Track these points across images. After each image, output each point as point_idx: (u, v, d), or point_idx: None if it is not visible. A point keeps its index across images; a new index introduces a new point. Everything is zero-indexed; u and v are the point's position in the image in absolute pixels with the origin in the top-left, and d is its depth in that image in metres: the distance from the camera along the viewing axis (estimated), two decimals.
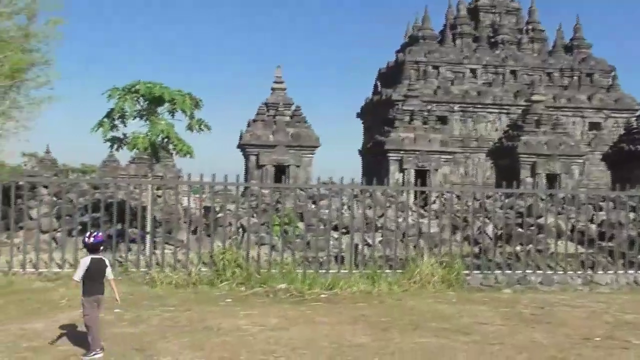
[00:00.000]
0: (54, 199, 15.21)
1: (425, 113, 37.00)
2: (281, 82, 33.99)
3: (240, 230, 15.58)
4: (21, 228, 12.87)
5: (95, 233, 7.02)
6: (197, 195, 13.27)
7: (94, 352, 6.63)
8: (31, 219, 15.31)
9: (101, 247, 7.05)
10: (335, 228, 15.31)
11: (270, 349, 7.20)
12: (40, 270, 11.75)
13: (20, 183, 12.16)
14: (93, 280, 6.83)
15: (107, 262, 7.01)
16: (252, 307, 9.76)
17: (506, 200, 13.91)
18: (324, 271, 12.46)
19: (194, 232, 15.69)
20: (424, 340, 7.80)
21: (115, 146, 13.42)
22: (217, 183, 12.74)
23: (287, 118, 33.42)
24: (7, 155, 13.95)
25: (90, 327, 6.74)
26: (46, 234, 13.09)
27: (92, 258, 6.87)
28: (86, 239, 6.92)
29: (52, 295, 10.14)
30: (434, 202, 19.45)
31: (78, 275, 6.84)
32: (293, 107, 34.22)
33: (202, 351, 6.99)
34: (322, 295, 10.90)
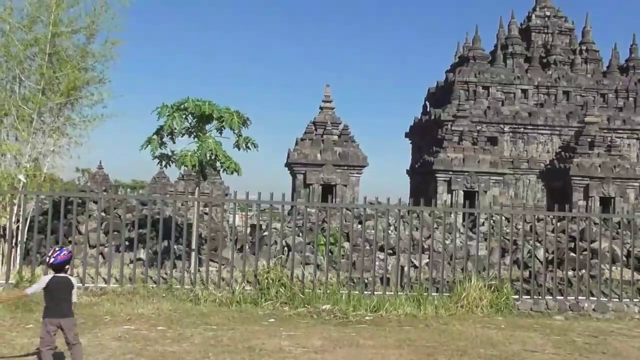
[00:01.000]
0: (103, 214, 15.42)
1: (475, 134, 36.53)
2: (330, 101, 34.04)
3: (286, 249, 15.51)
4: (70, 242, 13.06)
5: (59, 251, 6.33)
6: (244, 213, 13.24)
7: None
8: (80, 233, 15.55)
9: (67, 266, 6.36)
10: (382, 249, 15.11)
11: None
12: (86, 285, 11.86)
13: (71, 198, 12.34)
14: (53, 301, 6.21)
15: (73, 282, 6.32)
16: (295, 327, 9.62)
17: (558, 224, 13.47)
18: (368, 292, 12.25)
19: (240, 249, 15.69)
20: None
21: (164, 163, 13.55)
22: (264, 201, 12.70)
23: (335, 137, 33.40)
24: (60, 171, 14.19)
25: (41, 352, 6.21)
26: (94, 249, 13.25)
27: (53, 276, 6.25)
28: (47, 258, 6.33)
29: (97, 311, 10.19)
30: (483, 224, 19.04)
31: (31, 289, 6.36)
32: (341, 126, 34.20)
33: None
34: (367, 317, 10.70)
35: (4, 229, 12.73)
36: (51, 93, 13.30)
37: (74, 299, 6.35)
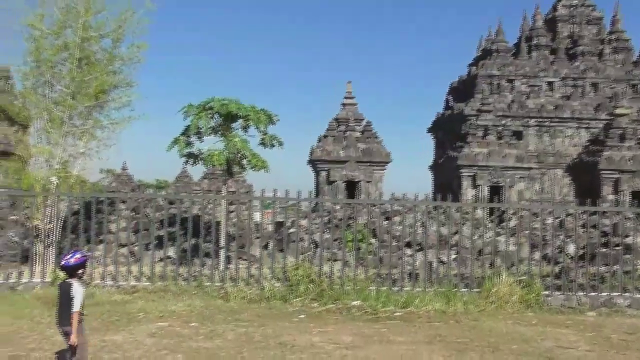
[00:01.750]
0: (132, 213, 15.59)
1: (500, 128, 36.20)
2: (352, 98, 33.99)
3: (313, 245, 15.55)
4: (101, 242, 13.22)
5: (72, 254, 6.08)
6: (268, 210, 13.31)
7: None
8: (110, 232, 15.75)
9: (80, 271, 6.03)
10: (409, 245, 15.07)
11: None
12: (119, 283, 12.02)
13: (101, 198, 12.50)
14: (57, 307, 6.07)
15: (72, 294, 5.94)
16: (325, 323, 9.66)
17: (589, 218, 13.33)
18: (397, 289, 12.26)
19: (265, 246, 15.76)
20: None
21: (191, 162, 13.68)
22: (290, 199, 12.76)
23: (358, 134, 33.34)
24: (88, 173, 14.40)
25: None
26: (124, 248, 13.41)
27: (62, 282, 6.13)
28: (61, 260, 6.09)
29: (131, 308, 10.32)
30: (510, 219, 18.90)
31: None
32: (364, 123, 34.13)
33: None
34: (397, 314, 10.69)
35: (38, 229, 12.95)
36: (81, 96, 13.50)
37: (75, 308, 5.92)
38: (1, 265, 12.83)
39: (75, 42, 13.12)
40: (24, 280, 11.96)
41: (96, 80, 13.32)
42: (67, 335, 5.94)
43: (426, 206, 13.13)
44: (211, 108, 12.97)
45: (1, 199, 12.83)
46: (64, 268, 6.04)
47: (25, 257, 12.71)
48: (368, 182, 32.70)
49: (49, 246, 12.45)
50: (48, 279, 11.87)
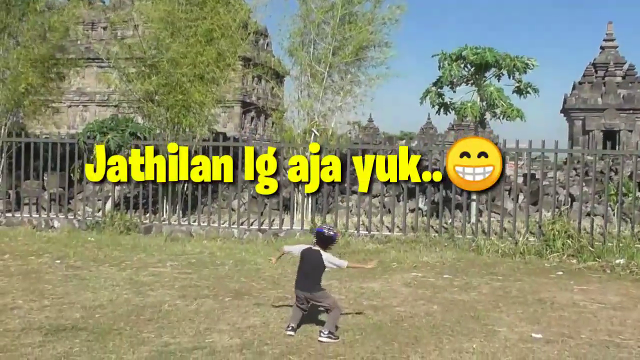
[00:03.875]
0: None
1: None
2: (612, 40, 31.15)
3: (569, 199, 14.68)
4: (354, 192, 13.81)
5: (330, 228, 6.24)
6: (511, 162, 12.81)
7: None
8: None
9: (330, 245, 6.13)
10: None
11: (615, 330, 6.59)
12: (372, 232, 12.50)
13: (355, 150, 13.04)
14: (300, 273, 6.14)
15: (325, 263, 6.03)
16: (587, 282, 9.11)
17: None
18: None
19: (515, 200, 15.20)
20: None
21: (443, 113, 13.62)
22: (547, 150, 12.16)
23: (619, 79, 30.59)
24: (338, 126, 15.12)
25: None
26: (376, 198, 13.86)
27: (309, 248, 6.15)
28: (324, 230, 6.14)
29: (385, 257, 10.67)
30: None
31: (288, 248, 6.63)
32: (625, 67, 31.15)
33: (538, 325, 6.69)
34: None
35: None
36: (341, 53, 14.14)
37: (343, 265, 6.16)
38: (265, 213, 14.03)
39: (340, 3, 13.72)
40: (285, 228, 12.99)
41: (356, 39, 13.80)
42: (307, 301, 6.09)
43: None
44: (464, 57, 12.72)
45: (264, 152, 14.00)
46: (319, 234, 6.14)
47: (286, 206, 13.75)
48: (629, 131, 29.94)
49: (307, 196, 13.32)
50: (306, 227, 12.75)
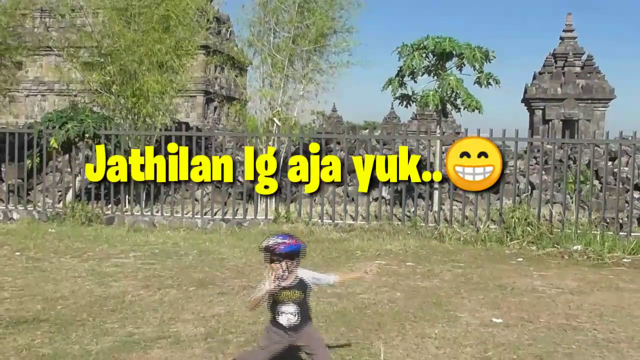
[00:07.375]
0: (344, 154, 16.07)
1: None
2: (571, 31, 31.68)
3: (529, 187, 14.95)
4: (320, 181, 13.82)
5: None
6: None
7: None
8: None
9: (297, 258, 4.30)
10: (638, 187, 13.94)
11: (572, 313, 6.77)
12: (335, 221, 12.56)
13: (318, 139, 13.05)
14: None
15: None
16: (546, 267, 9.33)
17: None
18: (624, 234, 11.45)
19: None
20: None
21: (405, 103, 13.68)
22: (508, 138, 12.37)
23: (578, 69, 31.16)
24: (301, 115, 15.13)
25: None
26: (340, 187, 13.92)
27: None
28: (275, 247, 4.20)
29: (348, 246, 10.77)
30: None
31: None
32: (584, 57, 31.73)
33: (498, 310, 6.84)
34: (625, 260, 10.03)
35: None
36: (300, 40, 14.11)
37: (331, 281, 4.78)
38: (229, 203, 13.98)
39: None
40: (249, 217, 12.96)
41: (316, 25, 13.79)
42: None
43: None
44: (425, 47, 12.79)
45: (227, 141, 13.92)
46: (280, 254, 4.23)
47: (249, 196, 13.72)
48: (588, 120, 30.58)
49: None
50: (270, 217, 12.74)
